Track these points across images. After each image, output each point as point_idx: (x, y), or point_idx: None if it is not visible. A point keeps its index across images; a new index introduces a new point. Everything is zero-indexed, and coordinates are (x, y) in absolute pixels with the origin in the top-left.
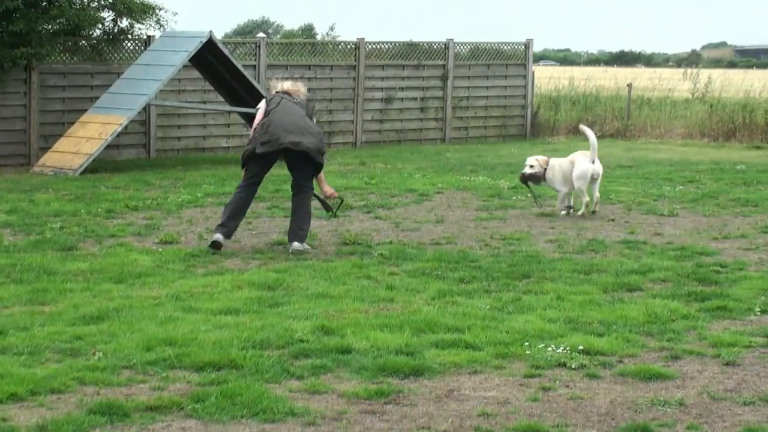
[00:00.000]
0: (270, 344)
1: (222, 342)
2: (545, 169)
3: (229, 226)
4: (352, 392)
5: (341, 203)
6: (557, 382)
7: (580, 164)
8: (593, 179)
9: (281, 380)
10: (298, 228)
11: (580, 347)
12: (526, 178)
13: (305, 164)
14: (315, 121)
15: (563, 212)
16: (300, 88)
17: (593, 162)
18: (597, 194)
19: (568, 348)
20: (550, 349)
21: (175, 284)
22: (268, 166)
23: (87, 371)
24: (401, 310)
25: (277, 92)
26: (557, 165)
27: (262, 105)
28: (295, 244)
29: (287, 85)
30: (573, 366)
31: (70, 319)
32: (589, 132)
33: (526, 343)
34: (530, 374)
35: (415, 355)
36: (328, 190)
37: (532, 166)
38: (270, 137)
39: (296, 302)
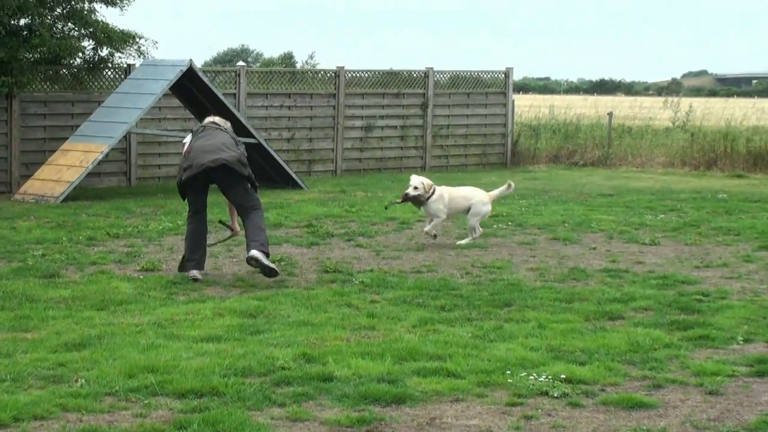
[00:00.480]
0: (252, 372)
1: (204, 369)
2: (429, 196)
3: (195, 258)
4: (334, 420)
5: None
6: (539, 410)
7: (482, 206)
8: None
9: (263, 408)
10: (253, 238)
11: (562, 376)
12: (408, 199)
13: (234, 180)
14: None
15: (428, 237)
16: (227, 124)
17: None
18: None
19: (550, 376)
20: (532, 377)
21: (156, 311)
22: (202, 191)
23: (70, 398)
24: (383, 338)
25: (203, 124)
26: (447, 195)
27: (188, 138)
28: (253, 251)
29: (216, 118)
30: (555, 395)
31: (52, 346)
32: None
33: (508, 372)
34: (512, 403)
35: (396, 383)
36: (236, 227)
37: (416, 188)
38: (191, 162)
39: (278, 330)
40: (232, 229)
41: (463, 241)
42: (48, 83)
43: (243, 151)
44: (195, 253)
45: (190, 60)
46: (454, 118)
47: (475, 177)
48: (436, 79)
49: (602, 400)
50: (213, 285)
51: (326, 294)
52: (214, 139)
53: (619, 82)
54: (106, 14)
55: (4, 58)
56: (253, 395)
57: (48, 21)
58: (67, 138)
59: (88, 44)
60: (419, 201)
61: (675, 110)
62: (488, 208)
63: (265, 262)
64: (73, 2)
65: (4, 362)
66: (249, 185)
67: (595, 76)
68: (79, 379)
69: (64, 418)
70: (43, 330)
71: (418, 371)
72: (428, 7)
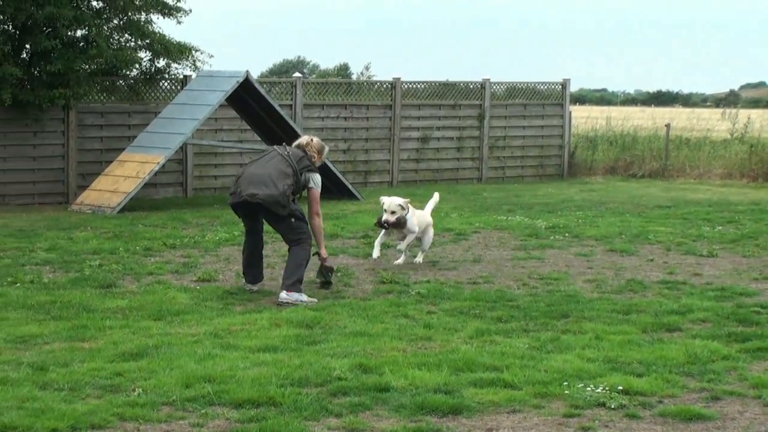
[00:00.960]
0: (308, 382)
1: (261, 379)
2: (406, 213)
3: (250, 273)
4: (391, 430)
5: (332, 272)
6: (596, 422)
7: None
8: None
9: (320, 418)
10: (284, 278)
11: (620, 387)
12: (390, 226)
13: (274, 217)
14: (303, 178)
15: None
16: (313, 144)
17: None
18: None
19: (607, 388)
20: (589, 388)
21: (213, 322)
22: (248, 216)
23: (127, 407)
24: (439, 349)
25: (273, 146)
26: (414, 212)
27: None
28: (281, 294)
29: (303, 139)
30: (612, 406)
31: (109, 356)
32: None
33: (565, 383)
34: (569, 414)
35: (453, 394)
36: (324, 251)
37: (394, 212)
38: (236, 189)
39: (334, 340)
40: (319, 256)
41: (419, 258)
42: (105, 94)
43: (286, 189)
44: (249, 269)
45: (247, 71)
46: (510, 129)
47: (532, 189)
48: (492, 90)
49: (660, 411)
50: (269, 295)
51: (383, 305)
52: (265, 168)
53: (677, 93)
54: (163, 26)
55: (61, 70)
56: (310, 405)
57: (105, 32)
58: (123, 149)
59: (144, 55)
60: (402, 224)
61: (733, 122)
62: None
63: (292, 298)
64: (129, 13)
65: (61, 371)
66: (293, 219)
67: (652, 88)
68: (136, 389)
69: (122, 427)
70: (100, 340)
71: (474, 382)
72: (484, 18)
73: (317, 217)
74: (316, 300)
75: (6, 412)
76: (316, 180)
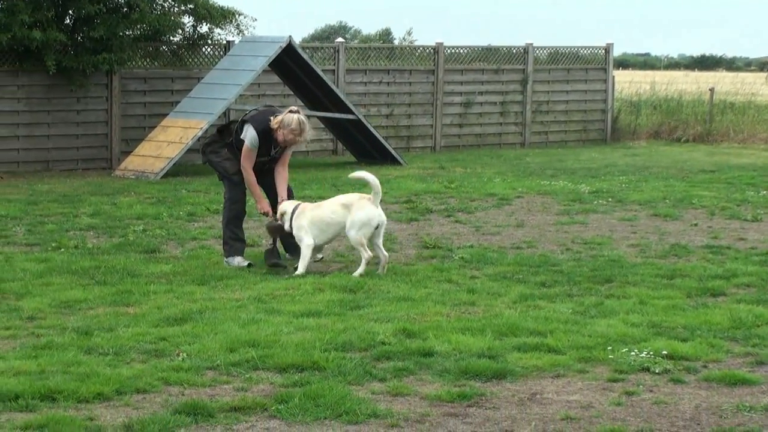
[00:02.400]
0: (352, 346)
1: (304, 344)
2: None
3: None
4: (435, 395)
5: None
6: (641, 386)
7: (364, 209)
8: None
9: (364, 382)
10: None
11: (664, 352)
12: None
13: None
14: (237, 134)
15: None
16: (282, 117)
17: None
18: (384, 252)
19: (651, 353)
20: (633, 353)
21: (257, 286)
22: None
23: (171, 372)
24: (483, 314)
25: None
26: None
27: None
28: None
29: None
30: (657, 371)
31: (154, 321)
32: (368, 176)
33: (609, 348)
34: (613, 378)
35: (497, 359)
36: (261, 206)
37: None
38: None
39: (378, 305)
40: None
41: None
42: (148, 60)
43: (211, 140)
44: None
45: (290, 36)
46: (553, 94)
47: (575, 153)
48: (535, 55)
49: (704, 376)
50: (316, 262)
51: (426, 270)
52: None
53: (720, 57)
54: None
55: (104, 36)
56: (354, 370)
57: None
58: (166, 114)
59: (187, 21)
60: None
61: None
62: (370, 213)
63: (230, 266)
64: None
65: (106, 336)
66: (219, 176)
67: (696, 52)
68: (180, 353)
69: (166, 391)
70: (144, 305)
71: (518, 347)
72: None
73: (243, 171)
74: (247, 263)
75: (52, 377)
76: (247, 134)
